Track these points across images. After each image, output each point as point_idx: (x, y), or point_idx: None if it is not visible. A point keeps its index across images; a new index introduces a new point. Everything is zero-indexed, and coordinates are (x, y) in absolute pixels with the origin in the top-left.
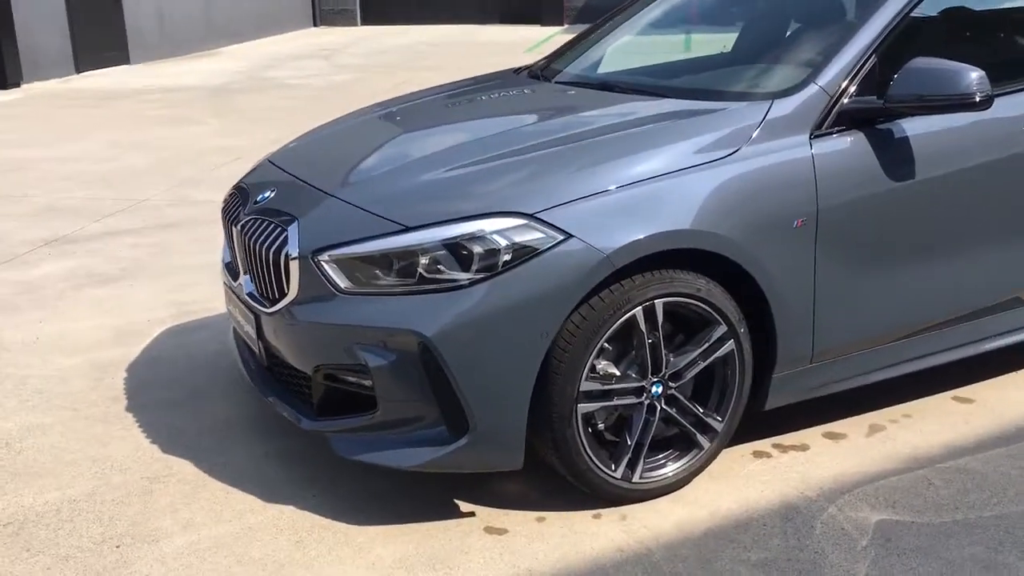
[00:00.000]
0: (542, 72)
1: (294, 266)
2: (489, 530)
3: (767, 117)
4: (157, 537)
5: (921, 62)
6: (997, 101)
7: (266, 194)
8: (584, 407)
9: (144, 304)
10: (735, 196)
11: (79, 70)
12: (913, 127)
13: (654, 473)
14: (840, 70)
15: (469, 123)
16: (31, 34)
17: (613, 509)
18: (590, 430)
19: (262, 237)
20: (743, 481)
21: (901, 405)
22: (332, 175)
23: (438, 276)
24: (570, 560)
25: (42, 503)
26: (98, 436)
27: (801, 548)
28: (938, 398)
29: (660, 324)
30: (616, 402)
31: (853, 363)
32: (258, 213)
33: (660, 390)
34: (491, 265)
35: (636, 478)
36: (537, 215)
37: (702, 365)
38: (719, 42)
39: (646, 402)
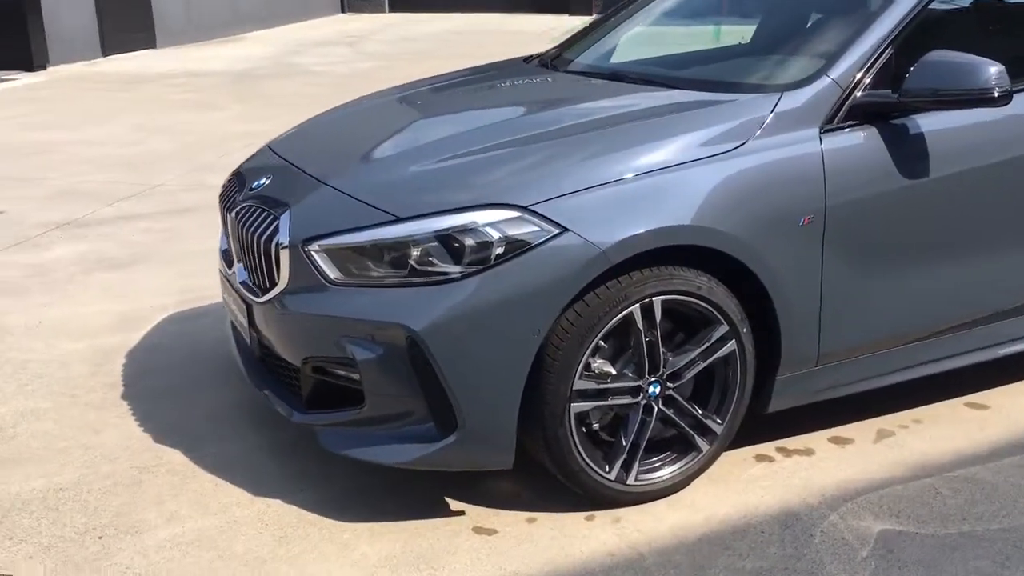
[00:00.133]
0: (552, 61)
1: (284, 255)
2: (478, 530)
3: (776, 110)
4: (141, 529)
5: (938, 55)
6: (1016, 97)
7: (262, 181)
8: (577, 406)
9: (151, 289)
10: (739, 191)
11: (105, 53)
12: (928, 123)
13: (650, 475)
14: (854, 62)
15: (470, 112)
16: (58, 17)
17: (607, 511)
18: (584, 430)
19: (254, 224)
20: (743, 485)
21: (912, 410)
22: (328, 163)
23: (429, 269)
24: (558, 563)
25: (29, 490)
26: (92, 423)
27: (799, 557)
28: (951, 403)
29: (658, 322)
30: (611, 402)
31: (861, 366)
32: (252, 200)
33: (658, 390)
34: (483, 258)
35: (631, 480)
36: (531, 207)
37: (702, 365)
38: (749, 33)
39: (643, 402)
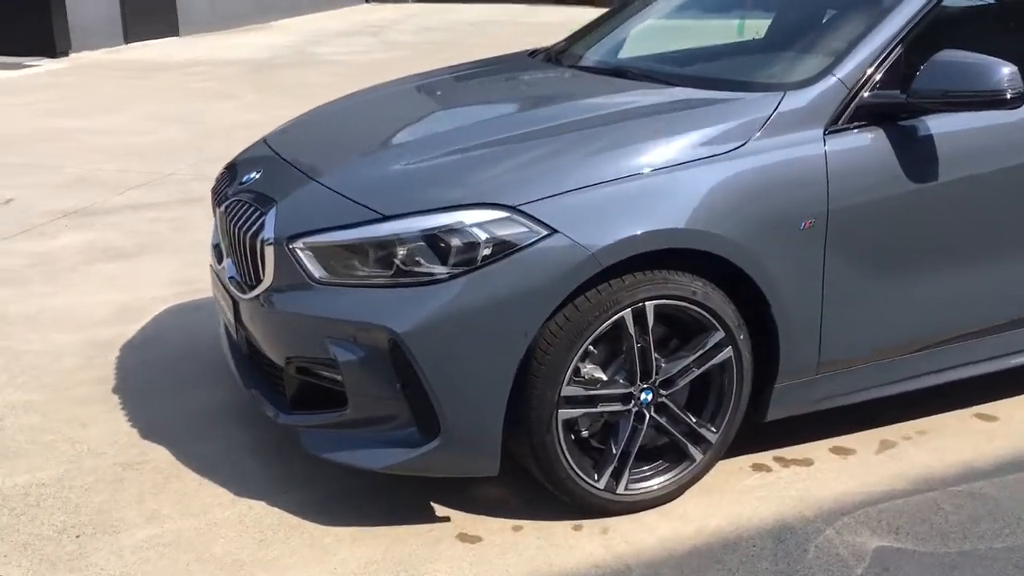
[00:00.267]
0: (558, 56)
1: (269, 252)
2: (462, 537)
3: (778, 109)
4: (119, 528)
5: (948, 55)
6: None
7: (252, 175)
8: (565, 412)
9: (153, 280)
10: (737, 193)
11: (128, 40)
12: (938, 125)
13: (641, 485)
14: (861, 61)
15: (466, 108)
16: (81, 3)
17: (595, 521)
18: (572, 437)
19: (241, 219)
20: (738, 496)
21: (916, 420)
22: (318, 158)
23: (415, 269)
24: (542, 574)
25: (10, 486)
26: (79, 417)
27: (790, 574)
28: (958, 414)
29: (651, 328)
30: (601, 408)
31: (863, 375)
32: (241, 194)
33: (650, 397)
34: (470, 259)
35: (621, 489)
36: (520, 208)
37: (696, 372)
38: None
39: (634, 409)
